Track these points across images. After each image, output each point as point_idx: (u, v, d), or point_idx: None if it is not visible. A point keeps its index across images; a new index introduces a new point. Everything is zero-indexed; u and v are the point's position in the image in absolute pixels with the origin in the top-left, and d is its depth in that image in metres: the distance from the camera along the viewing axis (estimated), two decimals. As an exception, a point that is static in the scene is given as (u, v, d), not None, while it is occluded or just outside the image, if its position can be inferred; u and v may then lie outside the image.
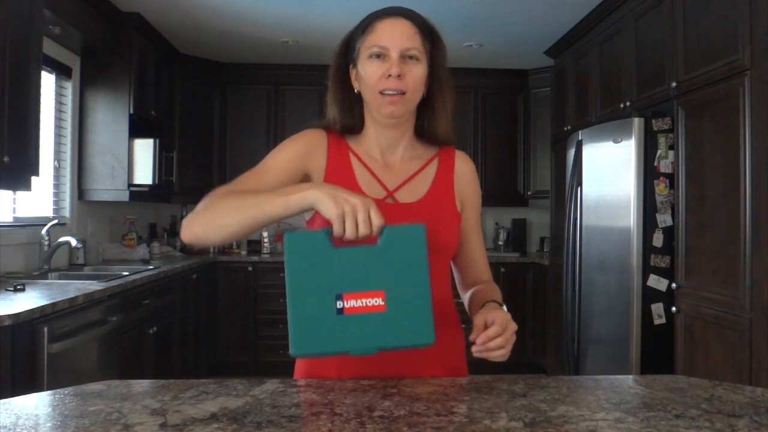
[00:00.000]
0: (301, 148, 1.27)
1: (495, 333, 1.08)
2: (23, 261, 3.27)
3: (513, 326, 1.10)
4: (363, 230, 0.99)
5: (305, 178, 1.26)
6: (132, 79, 3.88)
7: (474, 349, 1.09)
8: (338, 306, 1.00)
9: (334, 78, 1.30)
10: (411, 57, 1.21)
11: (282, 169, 1.24)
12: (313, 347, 1.02)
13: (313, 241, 1.01)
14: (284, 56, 4.93)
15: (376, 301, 1.00)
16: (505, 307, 1.20)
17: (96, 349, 2.64)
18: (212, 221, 1.10)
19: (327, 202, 1.01)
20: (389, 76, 1.18)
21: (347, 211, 1.00)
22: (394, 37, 1.20)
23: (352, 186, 1.25)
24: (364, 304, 1.00)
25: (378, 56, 1.21)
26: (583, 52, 4.05)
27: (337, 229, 1.00)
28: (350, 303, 1.00)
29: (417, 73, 1.21)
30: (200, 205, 1.13)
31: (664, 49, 2.94)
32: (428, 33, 1.25)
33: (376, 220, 1.00)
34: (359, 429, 0.87)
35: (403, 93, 1.20)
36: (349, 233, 0.99)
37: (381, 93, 1.20)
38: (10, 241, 3.14)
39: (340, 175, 1.26)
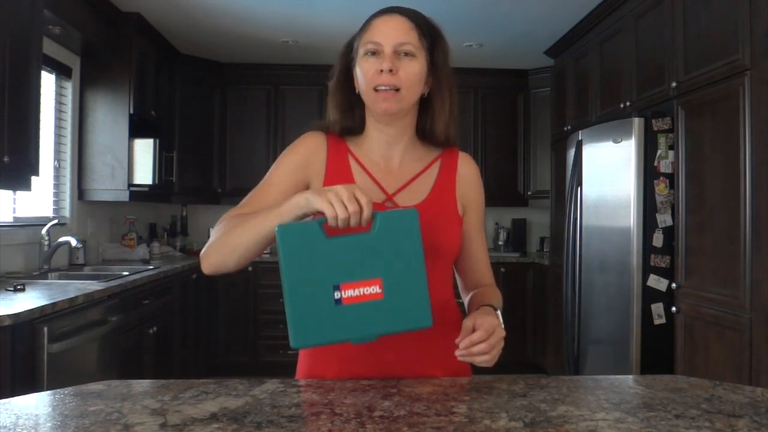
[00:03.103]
0: (300, 159, 1.28)
1: (479, 338, 1.06)
2: (23, 261, 3.27)
3: (500, 332, 1.09)
4: (352, 207, 1.00)
5: (307, 188, 1.27)
6: (132, 79, 3.88)
7: (457, 353, 1.08)
8: (336, 296, 1.01)
9: (336, 80, 1.30)
10: (406, 53, 1.20)
11: (284, 184, 1.25)
12: (313, 338, 1.03)
13: (306, 232, 1.02)
14: (284, 56, 4.93)
15: (373, 290, 1.01)
16: (499, 312, 1.19)
17: (96, 349, 2.64)
18: (222, 248, 1.15)
19: (312, 198, 1.04)
20: (381, 71, 1.18)
21: (332, 198, 1.01)
22: (388, 33, 1.20)
23: None
24: (362, 293, 1.01)
25: (373, 53, 1.21)
26: (583, 52, 4.05)
27: (328, 212, 1.01)
28: (348, 293, 1.01)
29: (411, 69, 1.20)
30: (212, 235, 1.18)
31: (664, 49, 2.94)
32: (428, 30, 1.25)
33: (362, 198, 1.02)
34: (359, 429, 0.87)
35: (398, 89, 1.19)
36: (340, 212, 1.00)
37: (375, 89, 1.20)
38: (10, 241, 3.14)
39: (338, 180, 1.26)
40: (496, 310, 1.19)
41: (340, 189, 1.03)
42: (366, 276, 1.01)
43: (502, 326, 1.13)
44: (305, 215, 1.07)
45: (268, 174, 1.29)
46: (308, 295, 1.01)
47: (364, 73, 1.21)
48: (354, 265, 1.01)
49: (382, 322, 1.02)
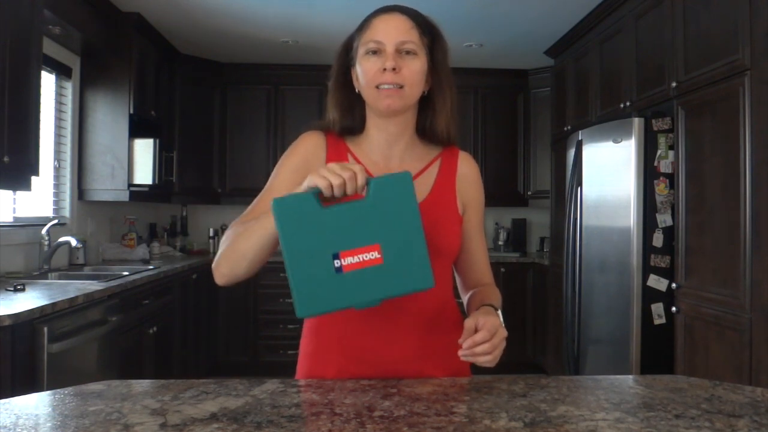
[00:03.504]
0: (300, 160, 1.28)
1: (482, 338, 1.06)
2: (23, 261, 3.27)
3: (502, 332, 1.09)
4: (346, 174, 1.01)
5: None
6: (132, 79, 3.88)
7: (460, 353, 1.07)
8: (336, 265, 1.01)
9: (335, 80, 1.30)
10: (408, 51, 1.20)
11: (285, 187, 1.26)
12: (317, 307, 1.03)
13: (301, 203, 1.02)
14: (284, 56, 4.93)
15: (372, 255, 1.01)
16: (500, 312, 1.19)
17: (96, 349, 2.64)
18: (231, 256, 1.16)
19: (305, 181, 1.04)
20: (384, 70, 1.18)
21: (323, 171, 1.02)
22: (389, 31, 1.20)
23: None
24: (361, 260, 1.01)
25: (374, 52, 1.20)
26: (583, 52, 4.05)
27: (321, 182, 1.01)
28: (347, 260, 1.01)
29: (414, 67, 1.20)
30: (220, 246, 1.19)
31: (664, 49, 2.94)
32: (427, 29, 1.24)
33: (354, 166, 1.02)
34: (359, 429, 0.87)
35: (401, 87, 1.19)
36: (333, 179, 1.00)
37: (377, 87, 1.20)
38: (10, 241, 3.14)
39: None
40: (496, 309, 1.19)
41: (331, 164, 1.04)
42: (364, 242, 1.01)
43: (504, 326, 1.13)
44: None
45: (270, 179, 1.29)
46: (309, 265, 1.01)
47: (366, 72, 1.21)
48: (351, 232, 1.01)
49: (384, 286, 1.02)
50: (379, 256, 1.01)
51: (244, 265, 1.15)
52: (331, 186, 1.01)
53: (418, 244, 1.03)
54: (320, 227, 1.01)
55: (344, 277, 1.01)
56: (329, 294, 1.01)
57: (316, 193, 1.01)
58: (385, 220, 1.02)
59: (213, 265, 1.19)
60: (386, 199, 1.02)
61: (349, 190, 1.02)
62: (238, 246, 1.14)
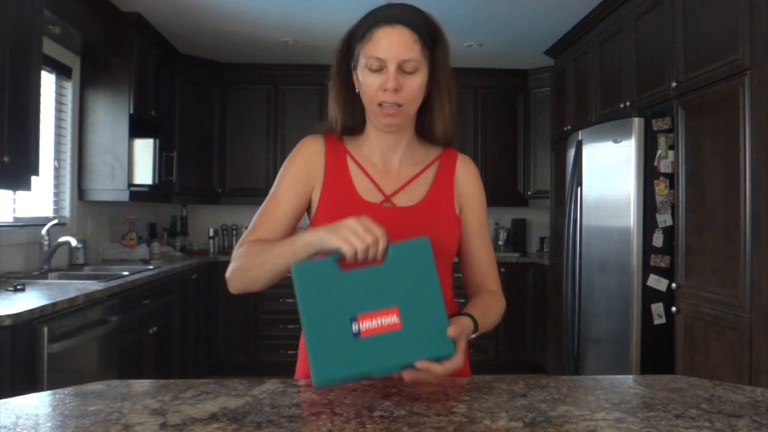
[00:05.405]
0: (301, 169, 1.29)
1: (434, 377, 1.01)
2: (23, 261, 3.27)
3: (453, 366, 1.01)
4: (369, 238, 1.01)
5: (311, 194, 1.29)
6: (132, 79, 3.89)
7: (407, 375, 1.02)
8: (354, 329, 0.99)
9: (336, 78, 1.29)
10: (409, 69, 1.19)
11: (290, 197, 1.27)
12: (335, 373, 1.00)
13: (321, 269, 1.02)
14: (284, 56, 4.93)
15: (391, 319, 1.00)
16: (474, 335, 1.12)
17: (96, 349, 2.64)
18: (247, 277, 1.20)
19: (326, 237, 1.04)
20: (386, 90, 1.18)
21: (346, 233, 1.02)
22: (392, 48, 1.17)
23: (350, 191, 1.26)
24: (380, 324, 1.00)
25: (375, 68, 1.19)
26: (583, 52, 4.05)
27: (346, 248, 1.01)
28: (365, 324, 1.00)
29: (414, 84, 1.20)
30: (234, 262, 1.22)
31: (664, 49, 2.94)
32: (429, 37, 1.22)
33: (377, 229, 1.03)
34: (359, 429, 0.87)
35: (400, 105, 1.20)
36: (358, 245, 1.01)
37: (378, 105, 1.20)
38: (10, 241, 3.14)
39: (338, 182, 1.27)
40: (475, 329, 1.12)
41: (353, 223, 1.03)
42: (383, 305, 1.00)
43: (466, 347, 1.08)
44: (318, 253, 1.06)
45: (273, 188, 1.30)
46: (327, 331, 1.00)
47: (367, 87, 1.20)
48: (370, 296, 1.01)
49: (403, 353, 1.00)
50: (397, 320, 1.00)
51: (258, 286, 1.19)
52: (355, 252, 1.01)
53: (437, 309, 1.02)
54: (339, 292, 1.01)
55: (362, 342, 0.99)
56: (347, 361, 0.99)
57: (336, 258, 1.01)
58: (403, 285, 1.01)
59: (227, 275, 1.22)
60: (405, 265, 1.02)
61: (371, 255, 1.02)
62: (253, 270, 1.17)
